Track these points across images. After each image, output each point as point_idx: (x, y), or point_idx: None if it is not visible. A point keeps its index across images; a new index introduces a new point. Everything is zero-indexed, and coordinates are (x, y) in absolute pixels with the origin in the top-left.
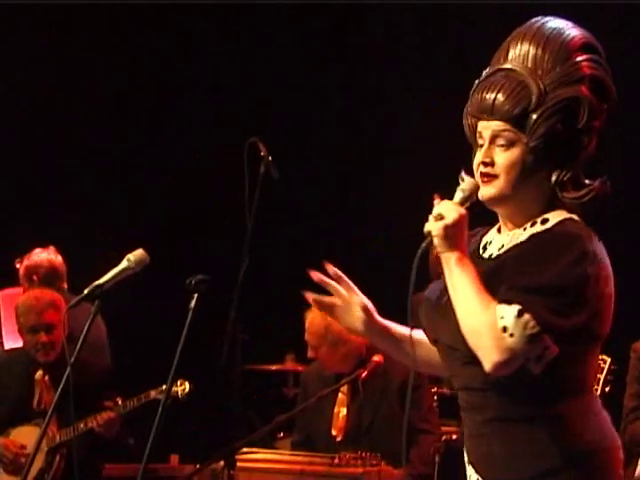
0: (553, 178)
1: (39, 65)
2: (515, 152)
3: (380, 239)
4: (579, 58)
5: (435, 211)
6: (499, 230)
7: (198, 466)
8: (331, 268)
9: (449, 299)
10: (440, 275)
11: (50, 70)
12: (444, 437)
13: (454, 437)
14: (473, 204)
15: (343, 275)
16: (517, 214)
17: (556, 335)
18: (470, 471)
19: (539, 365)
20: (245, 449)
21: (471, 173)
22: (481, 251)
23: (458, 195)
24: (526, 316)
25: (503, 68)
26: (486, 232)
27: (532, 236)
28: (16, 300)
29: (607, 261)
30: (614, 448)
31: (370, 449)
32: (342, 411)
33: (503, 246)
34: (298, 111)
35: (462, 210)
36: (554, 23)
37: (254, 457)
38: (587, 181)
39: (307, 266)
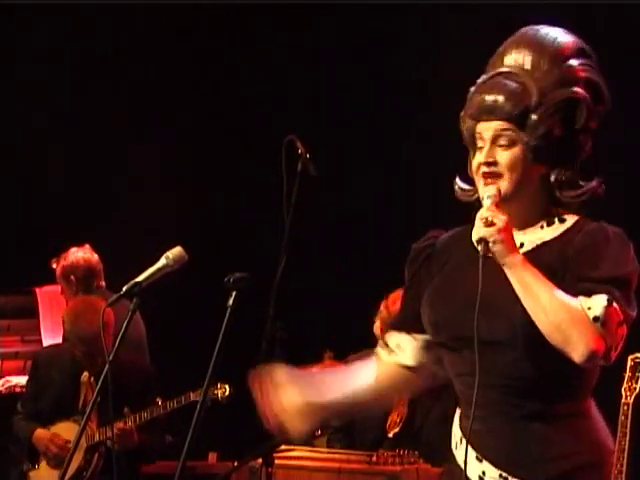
0: (552, 177)
1: None
2: (516, 151)
3: (411, 234)
4: (574, 62)
5: (483, 217)
6: None
7: (236, 464)
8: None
9: (501, 299)
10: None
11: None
12: None
13: None
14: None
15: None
16: (519, 213)
17: (628, 324)
18: (485, 467)
19: (615, 355)
20: (283, 447)
21: (464, 179)
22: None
23: (488, 201)
24: (615, 305)
25: (502, 71)
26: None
27: (566, 232)
28: (54, 297)
29: None
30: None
31: (421, 448)
32: (401, 407)
33: (522, 245)
34: (341, 109)
35: (504, 215)
36: (547, 30)
37: (292, 455)
38: (582, 182)
39: (345, 264)
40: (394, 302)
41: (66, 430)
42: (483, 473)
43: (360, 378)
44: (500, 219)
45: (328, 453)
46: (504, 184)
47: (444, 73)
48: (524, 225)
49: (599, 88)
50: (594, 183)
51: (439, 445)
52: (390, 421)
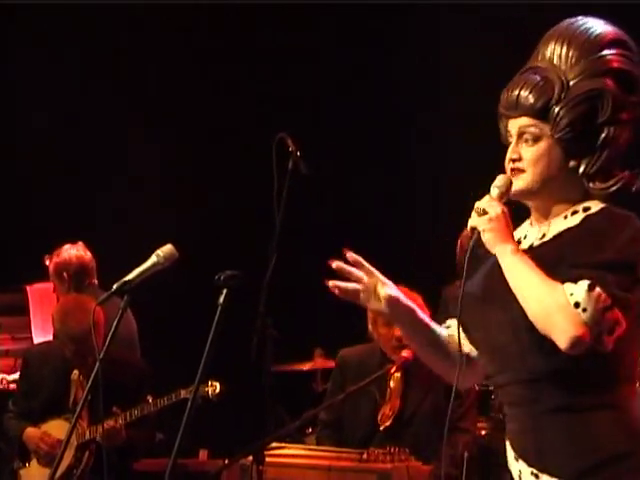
0: (581, 169)
1: None
2: (541, 146)
3: (411, 234)
4: (605, 52)
5: (477, 207)
6: (531, 224)
7: (227, 461)
8: (350, 255)
9: (502, 292)
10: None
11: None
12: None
13: (483, 433)
14: (511, 200)
15: (362, 260)
16: (550, 206)
17: (624, 309)
18: (521, 466)
19: (611, 340)
20: (274, 444)
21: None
22: (521, 245)
23: (494, 192)
24: (597, 290)
25: (530, 67)
26: (514, 230)
27: (585, 219)
28: (45, 294)
29: None
30: None
31: (409, 442)
32: (394, 401)
33: (544, 235)
34: (330, 106)
35: (502, 205)
36: (583, 21)
37: (283, 452)
38: (612, 173)
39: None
40: None
41: (57, 428)
42: (520, 472)
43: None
44: (494, 209)
45: (319, 451)
46: (527, 179)
47: (444, 73)
48: (552, 216)
49: (632, 78)
50: (625, 174)
51: (428, 438)
52: (382, 414)
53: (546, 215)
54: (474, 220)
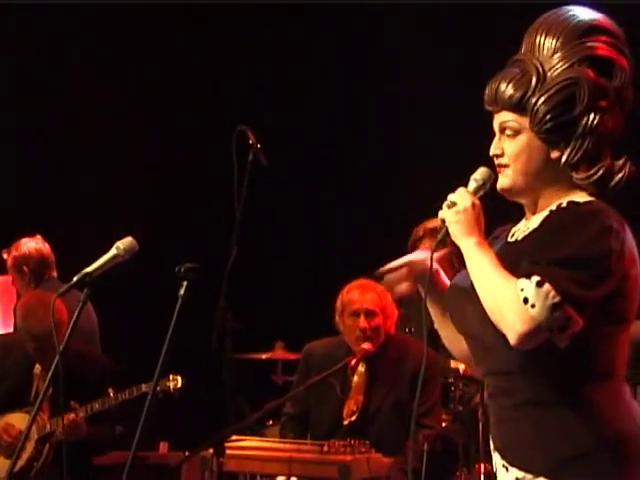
0: (563, 159)
1: None
2: (522, 139)
3: (370, 223)
4: (584, 39)
5: (448, 199)
6: (526, 219)
7: (187, 453)
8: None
9: (473, 285)
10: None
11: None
12: None
13: (443, 425)
14: (487, 193)
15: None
16: (537, 200)
17: (578, 306)
18: (496, 458)
19: (563, 337)
20: (234, 437)
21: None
22: (509, 239)
23: (471, 184)
24: (546, 286)
25: (513, 60)
26: (515, 224)
27: (551, 213)
28: (5, 287)
29: (634, 247)
30: None
31: (373, 437)
32: (358, 396)
33: (528, 229)
34: (289, 98)
35: (474, 198)
36: (566, 10)
37: (243, 445)
38: (594, 162)
39: (296, 254)
40: (348, 292)
41: (19, 420)
42: (496, 463)
43: None
44: (463, 201)
45: (279, 443)
46: (512, 176)
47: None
48: (539, 210)
49: (613, 64)
50: (607, 162)
51: (391, 432)
52: (347, 409)
53: (534, 209)
54: (443, 212)
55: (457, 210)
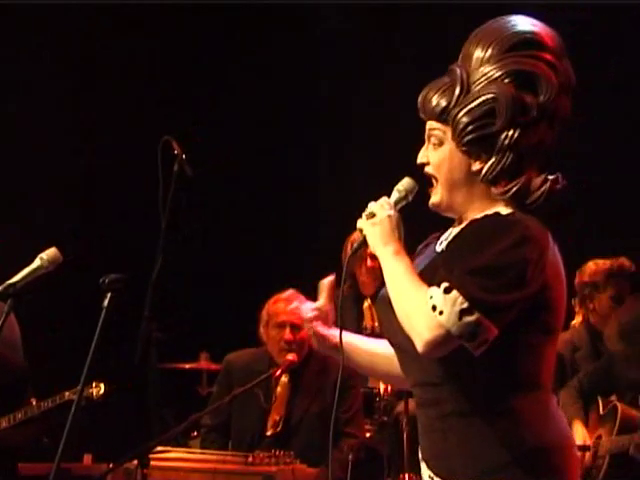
0: (482, 173)
1: None
2: (444, 150)
3: (296, 234)
4: (512, 53)
5: (367, 209)
6: (454, 226)
7: (111, 465)
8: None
9: None
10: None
11: None
12: None
13: (367, 435)
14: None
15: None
16: (464, 211)
17: (488, 312)
18: (423, 468)
19: (475, 344)
20: (159, 448)
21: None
22: (437, 248)
23: (394, 195)
24: (454, 292)
25: (449, 68)
26: (445, 231)
27: (469, 223)
28: None
29: (558, 261)
30: (568, 447)
31: (297, 447)
32: (280, 406)
33: (451, 236)
34: (214, 109)
35: (392, 211)
36: (503, 22)
37: (167, 456)
38: (511, 177)
39: (220, 265)
40: (275, 302)
41: None
42: (423, 474)
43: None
44: (381, 212)
45: (203, 454)
46: (439, 191)
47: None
48: (465, 221)
49: (537, 79)
50: (522, 178)
51: (315, 443)
52: (271, 420)
53: (461, 220)
54: (361, 221)
55: (374, 221)
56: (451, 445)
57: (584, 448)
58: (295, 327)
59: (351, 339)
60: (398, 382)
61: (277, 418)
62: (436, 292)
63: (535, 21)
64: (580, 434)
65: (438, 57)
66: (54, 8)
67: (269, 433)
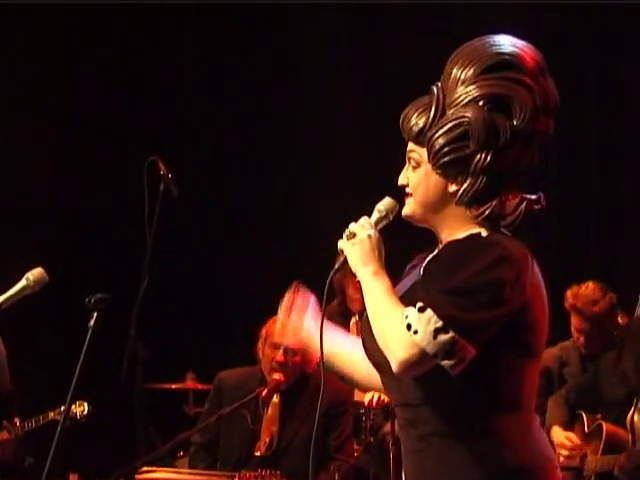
0: (457, 196)
1: None
2: (421, 172)
3: (284, 257)
4: (487, 75)
5: (348, 229)
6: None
7: None
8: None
9: None
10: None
11: None
12: None
13: (355, 455)
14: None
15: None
16: (442, 231)
17: (463, 331)
18: None
19: (452, 363)
20: (145, 468)
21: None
22: (421, 270)
23: (375, 215)
24: (428, 311)
25: (431, 86)
26: (432, 251)
27: (446, 244)
28: None
29: (539, 282)
30: (550, 469)
31: (285, 469)
32: (271, 427)
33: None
34: (201, 129)
35: (372, 231)
36: (483, 42)
37: (154, 476)
38: (486, 199)
39: (207, 285)
40: (274, 322)
41: None
42: None
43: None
44: (361, 232)
45: (190, 474)
46: (412, 205)
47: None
48: (445, 240)
49: (511, 102)
50: (496, 202)
51: (303, 465)
52: (261, 441)
53: (441, 240)
54: (342, 242)
55: (354, 241)
56: (431, 466)
57: (570, 469)
58: (289, 351)
59: (333, 348)
60: (381, 391)
61: (267, 439)
62: (411, 311)
63: (517, 41)
64: (560, 435)
65: (425, 67)
66: (37, 24)
67: (258, 453)
